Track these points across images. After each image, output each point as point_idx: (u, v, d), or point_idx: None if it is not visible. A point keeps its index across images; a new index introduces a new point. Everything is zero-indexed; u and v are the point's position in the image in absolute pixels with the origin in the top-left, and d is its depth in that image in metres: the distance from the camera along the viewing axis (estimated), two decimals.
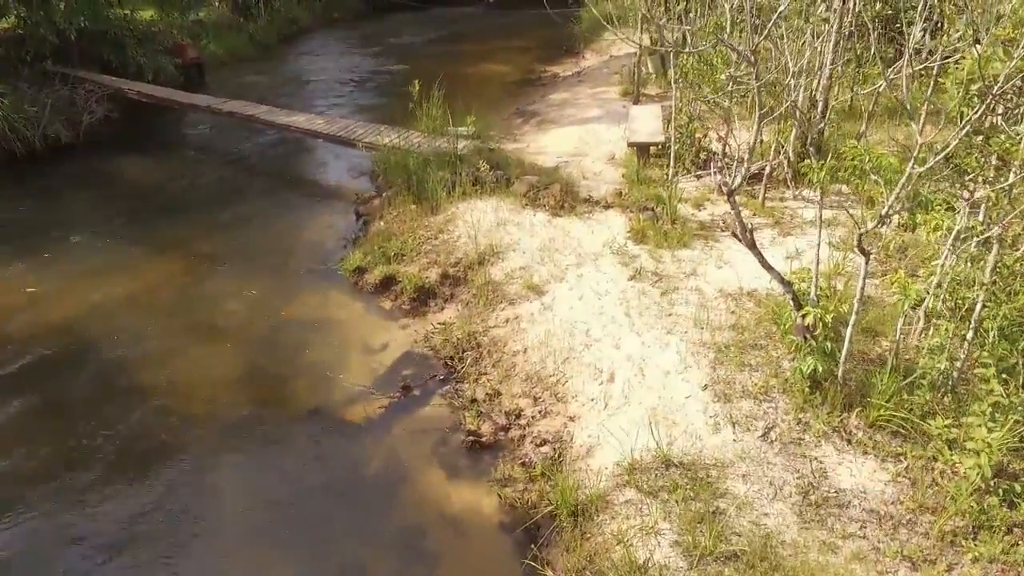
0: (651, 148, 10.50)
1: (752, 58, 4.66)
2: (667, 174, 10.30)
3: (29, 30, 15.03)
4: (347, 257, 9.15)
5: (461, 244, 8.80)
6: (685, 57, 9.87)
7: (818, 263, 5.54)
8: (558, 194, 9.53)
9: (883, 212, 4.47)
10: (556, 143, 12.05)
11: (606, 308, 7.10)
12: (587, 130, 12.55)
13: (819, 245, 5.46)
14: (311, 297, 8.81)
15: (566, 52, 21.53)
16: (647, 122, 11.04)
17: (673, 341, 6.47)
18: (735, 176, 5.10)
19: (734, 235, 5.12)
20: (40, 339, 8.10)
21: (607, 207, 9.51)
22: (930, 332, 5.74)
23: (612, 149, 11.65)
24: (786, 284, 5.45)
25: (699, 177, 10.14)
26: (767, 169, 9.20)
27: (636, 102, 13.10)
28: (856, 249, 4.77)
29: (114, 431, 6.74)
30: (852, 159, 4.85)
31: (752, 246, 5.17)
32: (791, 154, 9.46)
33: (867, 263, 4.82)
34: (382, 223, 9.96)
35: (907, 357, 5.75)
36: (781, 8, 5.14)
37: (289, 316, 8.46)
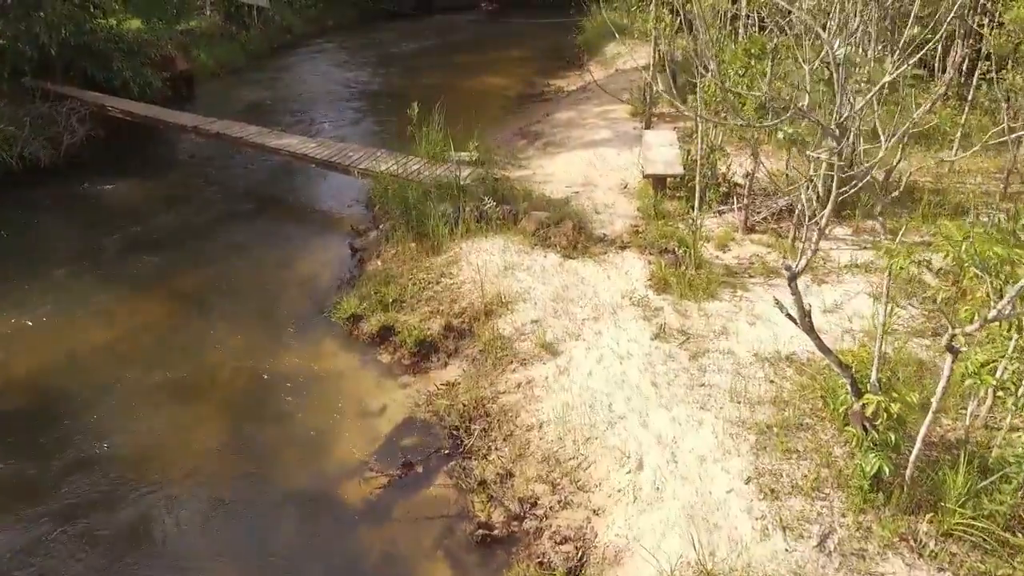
0: (668, 180, 9.81)
1: (837, 133, 3.95)
2: (687, 208, 9.61)
3: (7, 43, 14.25)
4: (341, 302, 8.41)
5: (466, 291, 8.08)
6: (708, 83, 9.16)
7: (881, 343, 4.84)
8: (570, 232, 8.82)
9: (991, 316, 3.77)
10: (564, 170, 11.34)
11: (629, 375, 6.39)
12: (596, 155, 11.85)
13: (882, 325, 4.75)
14: (302, 348, 8.08)
15: (569, 64, 20.85)
16: (662, 150, 10.33)
17: (707, 419, 5.77)
18: (799, 259, 4.39)
19: (789, 317, 4.41)
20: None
21: (623, 247, 8.81)
22: (1005, 412, 5.08)
23: (624, 177, 10.95)
24: (845, 368, 4.76)
25: (721, 213, 9.44)
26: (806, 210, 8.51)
27: (648, 125, 12.38)
28: (945, 348, 4.07)
29: (77, 510, 6.00)
30: (945, 242, 4.13)
31: (810, 331, 4.47)
32: (820, 187, 8.78)
33: (954, 362, 4.13)
34: (379, 262, 9.24)
35: (976, 436, 5.08)
36: (887, 77, 4.33)
37: (278, 370, 7.73)
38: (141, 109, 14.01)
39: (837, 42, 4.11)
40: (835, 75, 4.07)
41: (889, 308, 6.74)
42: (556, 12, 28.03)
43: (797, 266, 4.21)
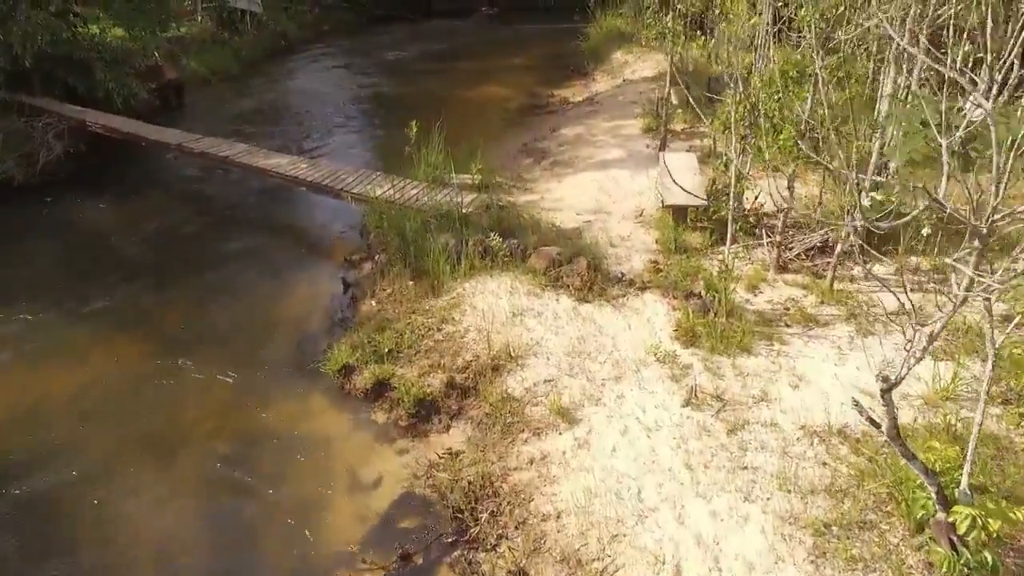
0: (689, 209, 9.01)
1: (984, 232, 3.09)
2: (710, 241, 8.82)
3: None
4: (332, 350, 7.59)
5: (470, 341, 7.27)
6: (736, 106, 8.35)
7: (975, 443, 4.03)
8: (584, 272, 8.01)
9: None
10: (574, 194, 10.53)
11: (660, 453, 5.58)
12: (608, 177, 11.04)
13: (978, 426, 3.94)
14: (289, 403, 7.27)
15: (573, 72, 20.01)
16: (683, 176, 9.51)
17: (754, 513, 4.96)
18: (901, 367, 3.58)
19: (871, 423, 3.61)
20: None
21: (643, 288, 8.00)
22: None
23: (640, 203, 10.14)
24: (931, 476, 3.95)
25: (748, 247, 8.63)
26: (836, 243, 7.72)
27: (664, 145, 11.56)
28: None
29: None
30: None
31: (895, 439, 3.67)
32: (860, 219, 7.98)
33: None
34: (374, 302, 8.42)
35: None
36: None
37: (261, 429, 6.92)
38: (122, 124, 13.18)
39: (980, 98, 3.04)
40: (994, 159, 3.11)
41: (954, 371, 5.96)
42: (558, 17, 27.26)
43: (897, 377, 3.40)
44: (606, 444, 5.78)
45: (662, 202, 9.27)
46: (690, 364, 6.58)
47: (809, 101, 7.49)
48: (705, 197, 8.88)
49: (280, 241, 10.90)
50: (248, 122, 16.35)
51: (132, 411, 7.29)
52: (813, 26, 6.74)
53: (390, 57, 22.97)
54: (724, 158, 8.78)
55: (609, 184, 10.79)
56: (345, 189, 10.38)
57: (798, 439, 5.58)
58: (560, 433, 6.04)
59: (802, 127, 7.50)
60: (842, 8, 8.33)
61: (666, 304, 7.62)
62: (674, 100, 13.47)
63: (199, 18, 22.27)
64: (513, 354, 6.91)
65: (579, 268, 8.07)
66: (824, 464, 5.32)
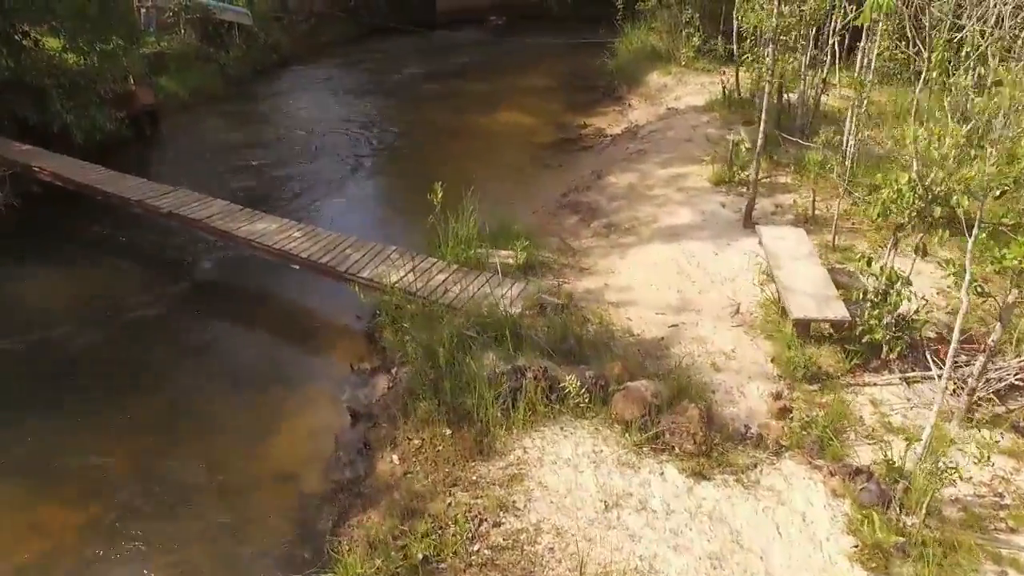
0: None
1: None
2: (847, 360, 6.51)
3: None
4: (338, 550, 5.22)
5: (544, 552, 4.91)
6: (899, 188, 6.03)
7: None
8: (696, 426, 5.67)
9: None
10: (646, 278, 8.20)
11: None
12: (684, 253, 8.71)
13: None
14: None
15: (604, 96, 17.68)
16: (801, 269, 7.21)
17: None
18: None
19: None
20: None
21: (777, 451, 5.67)
22: None
23: (733, 293, 7.83)
24: None
25: (908, 380, 6.31)
26: None
27: (750, 212, 9.19)
28: None
29: None
30: None
31: None
32: None
33: None
34: (396, 458, 6.06)
35: None
36: None
37: None
38: (76, 173, 10.75)
39: None
40: None
41: None
42: (573, 29, 24.93)
43: None
44: None
45: (780, 307, 6.96)
46: None
47: None
48: (844, 308, 6.55)
49: (265, 333, 8.50)
50: (226, 158, 13.95)
51: None
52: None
53: (394, 77, 20.56)
54: (866, 256, 6.45)
55: (687, 264, 8.46)
56: (351, 273, 8.04)
57: None
58: None
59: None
60: None
61: (821, 485, 5.29)
62: (744, 139, 11.16)
63: (181, 31, 19.84)
64: None
65: (686, 420, 5.73)
66: None
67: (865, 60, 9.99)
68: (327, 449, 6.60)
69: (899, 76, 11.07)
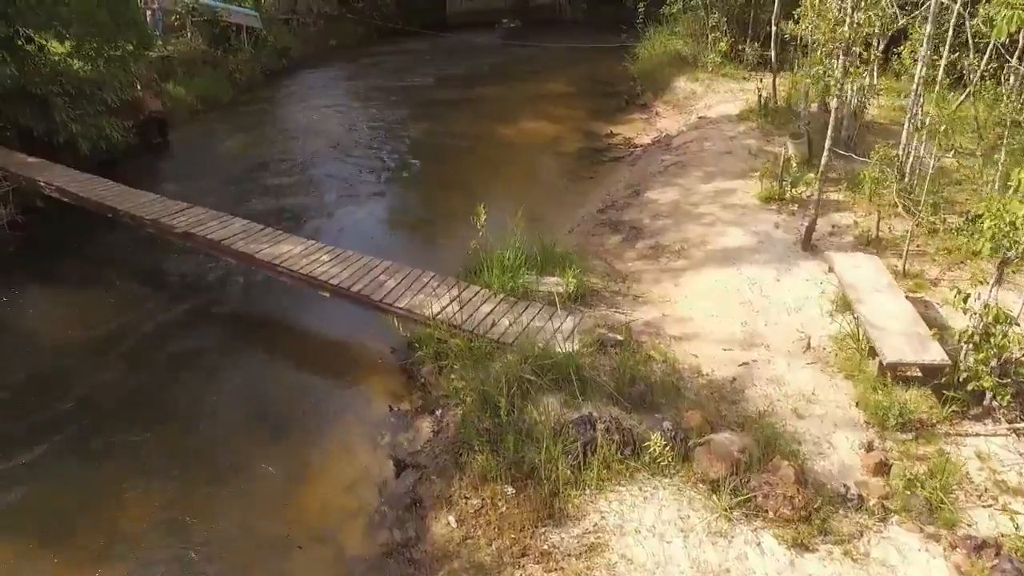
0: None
1: None
2: (940, 407, 5.90)
3: None
4: None
5: None
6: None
7: None
8: (792, 488, 5.05)
9: None
10: (706, 308, 7.58)
11: None
12: (744, 279, 8.09)
13: None
14: None
15: (629, 103, 17.05)
16: (885, 303, 6.59)
17: None
18: None
19: None
20: None
21: (883, 516, 5.05)
22: None
23: (800, 325, 7.21)
24: None
25: (1017, 432, 5.70)
26: None
27: (810, 239, 8.55)
28: None
29: None
30: None
31: None
32: None
33: None
34: (452, 520, 5.43)
35: None
36: None
37: None
38: (81, 187, 10.12)
39: None
40: None
41: None
42: (589, 32, 24.34)
43: None
44: None
45: (863, 345, 6.35)
46: None
47: None
48: (943, 351, 5.93)
49: (292, 366, 7.89)
50: (242, 172, 13.32)
51: None
52: None
53: (407, 82, 19.96)
54: (962, 293, 5.84)
55: (749, 291, 7.85)
56: (387, 302, 7.41)
57: None
58: None
59: None
60: None
61: (942, 560, 4.67)
62: (791, 152, 10.55)
63: (188, 34, 19.22)
64: None
65: (780, 480, 5.11)
66: None
67: (922, 68, 9.39)
68: (369, 503, 5.98)
69: (942, 83, 10.49)
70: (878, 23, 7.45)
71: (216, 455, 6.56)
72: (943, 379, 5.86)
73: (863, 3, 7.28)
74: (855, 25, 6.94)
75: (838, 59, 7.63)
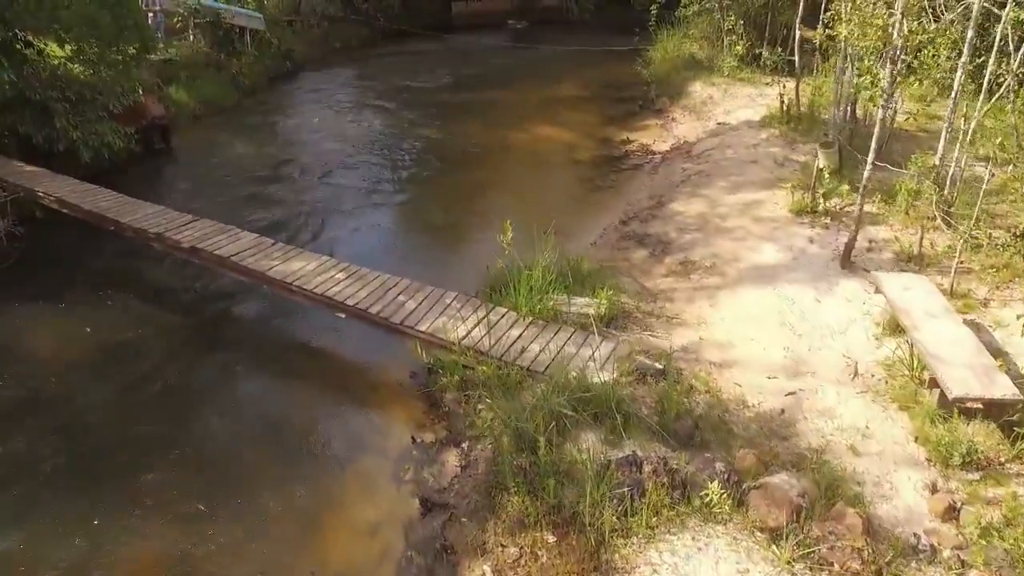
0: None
1: None
2: (1007, 443, 5.49)
3: None
4: None
5: None
6: None
7: None
8: (859, 539, 4.64)
9: None
10: (746, 332, 7.17)
11: None
12: (783, 299, 7.68)
13: None
14: None
15: (643, 108, 16.62)
16: (943, 330, 6.16)
17: None
18: None
19: None
20: None
21: (961, 571, 4.64)
22: None
23: (845, 350, 6.80)
24: None
25: None
26: None
27: (849, 256, 8.13)
28: None
29: None
30: None
31: None
32: None
33: None
34: (488, 570, 5.01)
35: None
36: None
37: None
38: (83, 198, 9.66)
39: None
40: None
41: None
42: (597, 33, 23.88)
43: None
44: None
45: (920, 375, 5.94)
46: None
47: None
48: (1012, 385, 5.52)
49: (305, 391, 7.44)
50: (247, 180, 12.87)
51: None
52: None
53: (413, 84, 19.53)
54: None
55: (790, 312, 7.44)
56: (408, 325, 6.99)
57: None
58: None
59: None
60: None
61: None
62: (822, 163, 10.13)
63: (191, 36, 18.77)
64: None
65: (846, 529, 4.70)
66: None
67: (961, 76, 8.97)
68: (395, 547, 5.56)
69: (989, 92, 10.08)
70: (932, 29, 7.01)
71: (227, 486, 6.13)
72: (1015, 416, 5.45)
73: (911, 9, 6.86)
74: (907, 32, 6.52)
75: (885, 68, 7.20)
